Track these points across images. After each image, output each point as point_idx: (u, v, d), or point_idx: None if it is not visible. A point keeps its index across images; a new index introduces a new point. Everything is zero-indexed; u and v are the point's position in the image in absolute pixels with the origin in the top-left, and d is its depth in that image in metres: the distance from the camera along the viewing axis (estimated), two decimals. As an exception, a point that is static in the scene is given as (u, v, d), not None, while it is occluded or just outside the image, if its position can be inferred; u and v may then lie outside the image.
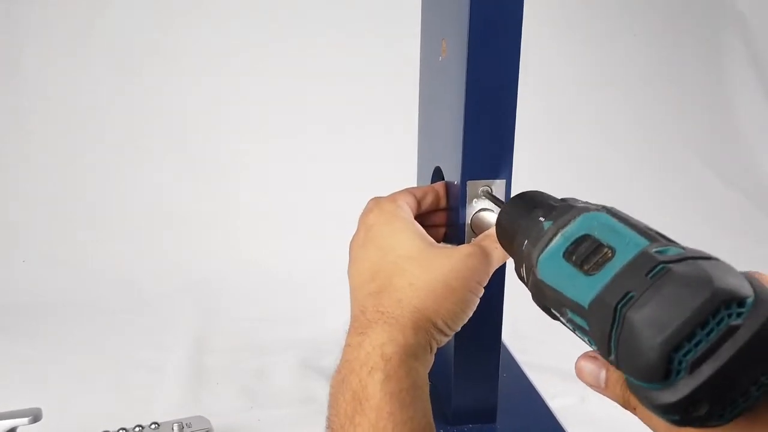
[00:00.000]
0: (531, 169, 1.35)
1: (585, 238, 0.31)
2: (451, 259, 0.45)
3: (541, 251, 0.33)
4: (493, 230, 0.47)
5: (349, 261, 0.50)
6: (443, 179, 0.58)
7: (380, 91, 1.31)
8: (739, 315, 0.25)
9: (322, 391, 0.73)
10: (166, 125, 1.28)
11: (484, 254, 0.46)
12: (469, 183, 0.51)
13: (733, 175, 1.53)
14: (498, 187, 0.52)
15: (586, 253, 0.30)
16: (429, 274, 0.44)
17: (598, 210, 0.33)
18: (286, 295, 1.03)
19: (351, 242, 0.51)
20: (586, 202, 0.36)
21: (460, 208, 0.52)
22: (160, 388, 0.75)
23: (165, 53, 1.29)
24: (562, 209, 0.35)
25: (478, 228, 0.52)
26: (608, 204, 0.34)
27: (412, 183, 0.72)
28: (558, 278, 0.32)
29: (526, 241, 0.36)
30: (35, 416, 0.55)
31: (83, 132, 1.25)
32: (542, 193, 0.41)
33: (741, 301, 0.25)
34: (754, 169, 1.56)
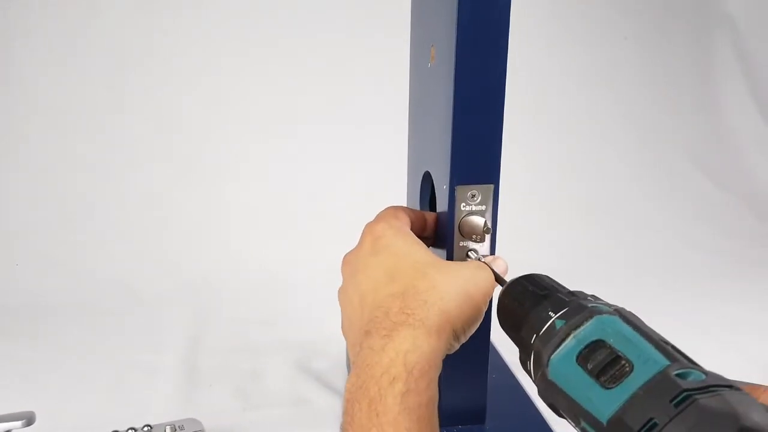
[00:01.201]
0: (531, 170, 1.37)
1: (599, 343, 0.32)
2: (466, 268, 0.46)
3: (553, 351, 0.33)
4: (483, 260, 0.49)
5: (353, 271, 0.48)
6: (432, 184, 0.58)
7: (380, 91, 1.31)
8: None
9: (315, 394, 0.74)
10: (164, 125, 1.29)
11: (489, 270, 0.47)
12: (458, 188, 0.52)
13: (724, 178, 1.53)
14: (486, 191, 0.52)
15: (603, 363, 0.30)
16: (450, 279, 0.44)
17: (610, 313, 0.34)
18: (282, 296, 1.03)
19: (353, 254, 0.49)
20: (596, 299, 0.37)
21: (449, 212, 0.52)
22: (155, 390, 0.75)
23: (164, 53, 1.29)
24: (574, 309, 0.35)
25: (466, 231, 0.53)
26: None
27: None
28: (571, 384, 0.32)
29: (535, 336, 0.36)
30: (29, 419, 0.55)
31: (81, 132, 1.25)
32: (550, 279, 0.41)
33: None
34: (744, 171, 1.56)
